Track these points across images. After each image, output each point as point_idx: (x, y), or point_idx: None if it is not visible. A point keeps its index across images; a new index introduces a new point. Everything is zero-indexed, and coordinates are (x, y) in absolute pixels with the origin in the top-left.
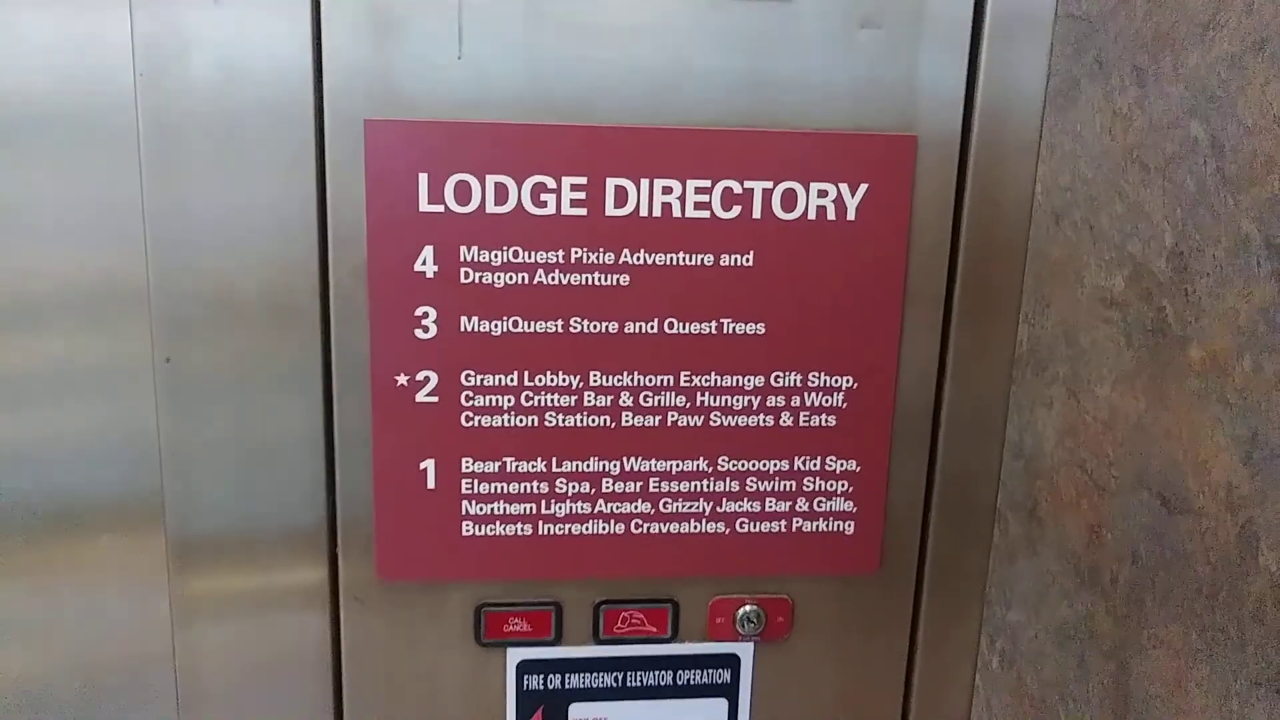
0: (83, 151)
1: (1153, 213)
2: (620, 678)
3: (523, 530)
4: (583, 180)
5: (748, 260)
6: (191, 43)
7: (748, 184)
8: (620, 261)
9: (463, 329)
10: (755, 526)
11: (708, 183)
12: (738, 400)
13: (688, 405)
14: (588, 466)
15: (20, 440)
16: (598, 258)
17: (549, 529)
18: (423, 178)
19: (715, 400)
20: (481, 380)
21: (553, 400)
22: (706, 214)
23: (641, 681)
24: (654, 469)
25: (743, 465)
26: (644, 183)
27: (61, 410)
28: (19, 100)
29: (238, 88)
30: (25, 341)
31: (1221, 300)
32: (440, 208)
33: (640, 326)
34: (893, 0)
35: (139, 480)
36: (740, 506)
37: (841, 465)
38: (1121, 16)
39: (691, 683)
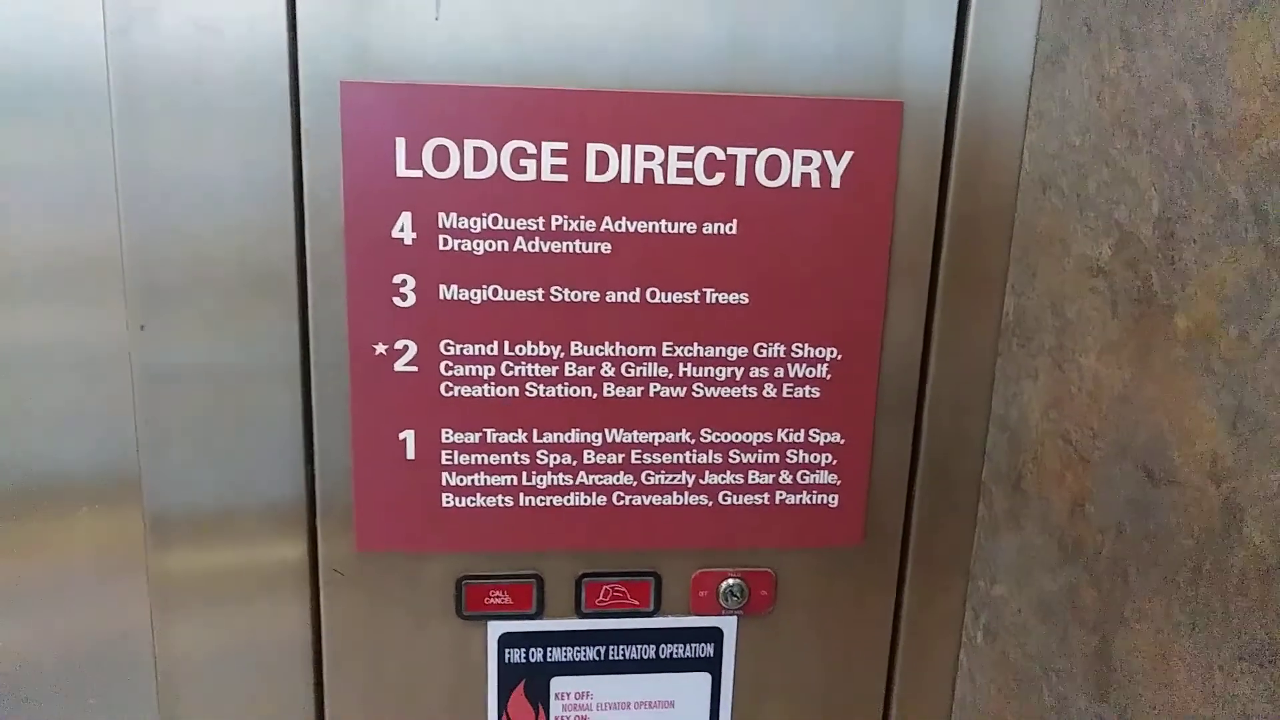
0: (52, 113)
1: (1140, 179)
2: (602, 651)
3: (504, 502)
4: (563, 145)
5: (731, 229)
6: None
7: (731, 150)
8: (601, 229)
9: (442, 297)
10: (738, 499)
11: (690, 149)
12: (720, 371)
13: (670, 376)
14: (569, 438)
15: None
16: (578, 225)
17: (530, 500)
18: (400, 142)
19: (698, 371)
20: (461, 350)
21: (533, 370)
22: (689, 181)
23: (624, 655)
24: (636, 440)
25: (725, 437)
26: (625, 148)
27: (35, 382)
28: None
29: (211, 47)
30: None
31: (1208, 267)
32: (418, 173)
33: (622, 296)
34: None
35: (115, 453)
36: (723, 479)
37: (825, 437)
38: None
39: (674, 656)
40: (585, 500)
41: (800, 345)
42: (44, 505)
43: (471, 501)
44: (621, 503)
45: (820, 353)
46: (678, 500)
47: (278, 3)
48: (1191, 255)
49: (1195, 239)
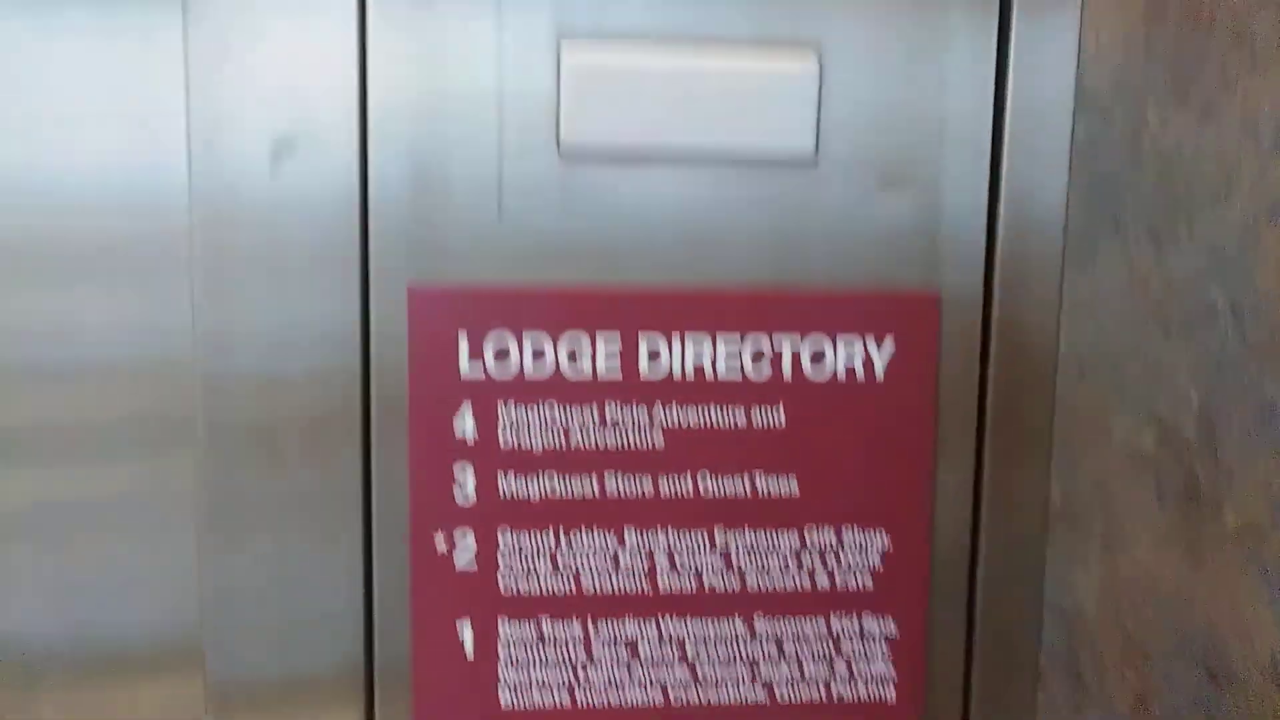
0: (131, 275)
1: (1177, 373)
2: None
3: (561, 701)
4: (617, 341)
5: (780, 421)
6: (243, 195)
7: (777, 346)
8: (654, 421)
9: (500, 490)
10: (794, 693)
11: (737, 345)
12: (772, 559)
13: (723, 565)
14: (625, 630)
15: (59, 577)
16: (632, 417)
17: (587, 699)
18: (463, 341)
19: (750, 559)
20: (518, 541)
21: (589, 561)
22: (738, 375)
23: None
24: (691, 632)
25: (779, 627)
26: (676, 344)
27: (102, 546)
28: (75, 227)
29: (287, 236)
30: (69, 473)
31: (1252, 467)
32: (480, 369)
33: (674, 481)
34: (912, 161)
35: (178, 622)
36: (779, 671)
37: (879, 625)
38: (1135, 178)
39: None
40: (642, 698)
41: (850, 530)
42: (105, 675)
43: (529, 700)
44: (678, 701)
45: (871, 538)
46: (734, 697)
47: (352, 201)
48: (1234, 453)
49: (1236, 437)
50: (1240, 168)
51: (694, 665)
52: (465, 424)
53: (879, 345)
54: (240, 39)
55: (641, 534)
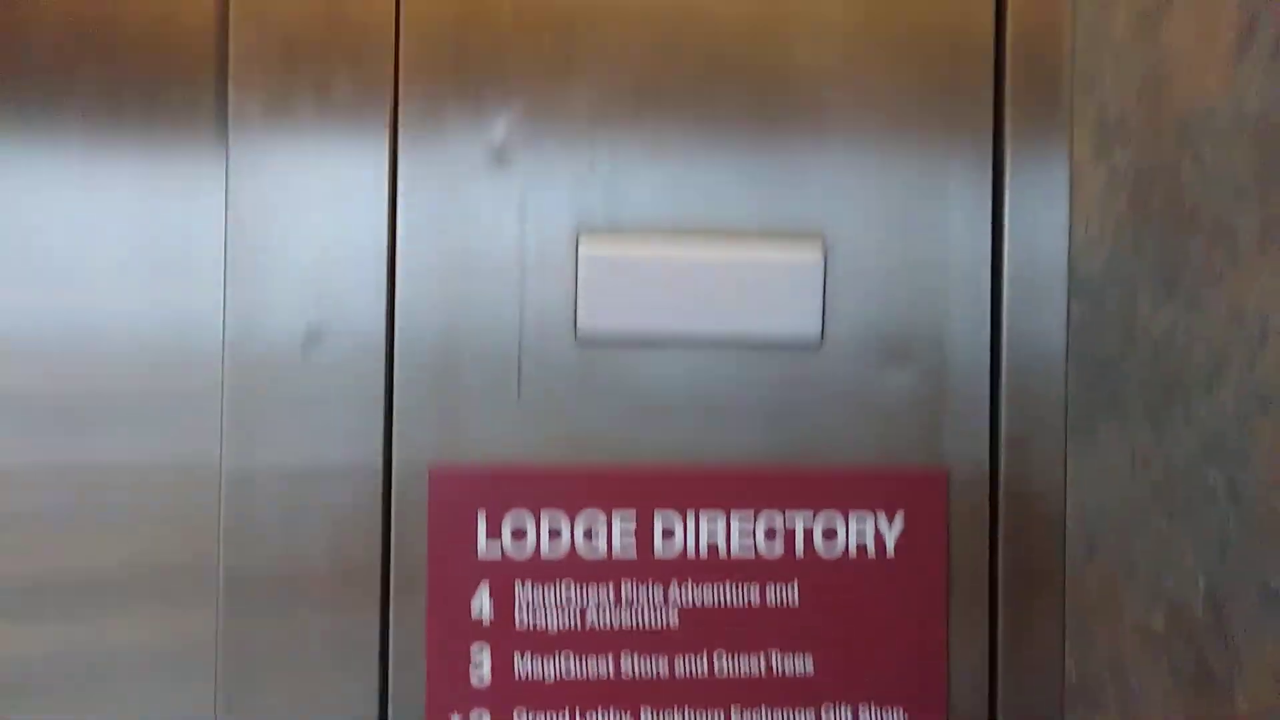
0: (161, 422)
1: (1183, 554)
2: None
3: None
4: (632, 522)
5: (793, 599)
6: (274, 375)
7: (789, 523)
8: (669, 600)
9: (516, 670)
10: None
11: (750, 523)
12: None
13: None
14: None
15: None
16: (647, 597)
17: None
18: (481, 520)
19: None
20: None
21: None
22: (751, 553)
23: None
24: None
25: None
26: (690, 522)
27: (121, 696)
28: (104, 380)
29: (314, 412)
30: (90, 623)
31: (1260, 650)
32: (497, 549)
33: (690, 661)
34: (915, 341)
35: None
36: None
37: None
38: (1131, 362)
39: None
40: None
41: (867, 708)
42: None
43: None
44: None
45: (888, 715)
46: None
47: (377, 389)
48: (1242, 637)
49: (1244, 621)
50: (1230, 357)
51: None
52: (482, 604)
53: (890, 521)
54: (276, 228)
55: (657, 715)
